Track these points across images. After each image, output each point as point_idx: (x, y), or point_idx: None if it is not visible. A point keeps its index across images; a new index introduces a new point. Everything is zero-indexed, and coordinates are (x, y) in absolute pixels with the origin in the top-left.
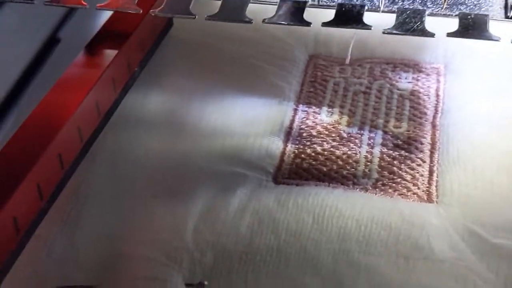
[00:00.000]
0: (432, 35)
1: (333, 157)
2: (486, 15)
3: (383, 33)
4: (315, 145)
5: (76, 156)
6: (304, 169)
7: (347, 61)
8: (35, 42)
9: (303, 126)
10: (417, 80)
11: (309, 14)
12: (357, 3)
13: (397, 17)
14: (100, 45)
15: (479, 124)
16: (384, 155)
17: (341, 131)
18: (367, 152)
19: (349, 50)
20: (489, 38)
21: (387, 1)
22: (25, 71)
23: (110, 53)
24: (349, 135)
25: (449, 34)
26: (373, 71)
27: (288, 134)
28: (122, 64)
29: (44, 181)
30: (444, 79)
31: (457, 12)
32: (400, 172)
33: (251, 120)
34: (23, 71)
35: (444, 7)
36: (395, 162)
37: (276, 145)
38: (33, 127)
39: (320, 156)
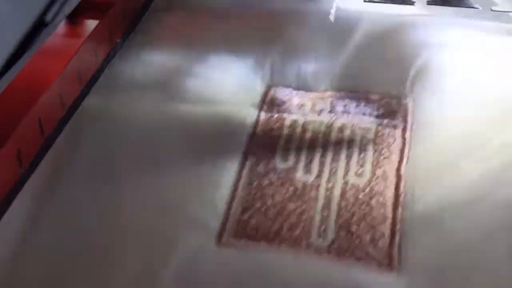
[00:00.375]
0: (412, 3)
1: (285, 213)
2: None
3: (364, 1)
4: (266, 197)
5: (57, 123)
6: (252, 226)
7: (332, 18)
8: (23, 26)
9: (252, 175)
10: (382, 118)
11: None
12: None
13: None
14: (82, 15)
15: (449, 176)
16: (342, 211)
17: (296, 180)
18: (323, 206)
19: (333, 7)
20: (469, 6)
21: None
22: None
23: (92, 23)
24: (304, 185)
25: (429, 2)
26: (335, 106)
27: (237, 182)
28: (103, 34)
29: (24, 147)
30: (411, 117)
31: None
32: (358, 231)
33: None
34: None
35: None
36: (354, 219)
37: (222, 195)
38: (14, 93)
39: (270, 211)
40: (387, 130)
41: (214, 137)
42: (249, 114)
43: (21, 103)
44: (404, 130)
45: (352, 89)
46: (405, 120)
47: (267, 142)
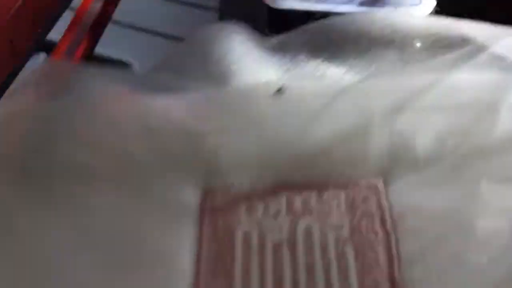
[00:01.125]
0: None
1: None
2: None
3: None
4: None
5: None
6: None
7: None
8: None
9: None
10: (353, 207)
11: None
12: None
13: None
14: None
15: (453, 268)
16: None
17: None
18: None
19: None
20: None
21: None
22: None
23: None
24: None
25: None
26: (292, 204)
27: None
28: None
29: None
30: (386, 201)
31: None
32: None
33: None
34: None
35: None
36: None
37: None
38: None
39: None
40: (364, 223)
41: None
42: (183, 236)
43: None
44: (383, 219)
45: (306, 178)
46: (380, 207)
47: (218, 269)
